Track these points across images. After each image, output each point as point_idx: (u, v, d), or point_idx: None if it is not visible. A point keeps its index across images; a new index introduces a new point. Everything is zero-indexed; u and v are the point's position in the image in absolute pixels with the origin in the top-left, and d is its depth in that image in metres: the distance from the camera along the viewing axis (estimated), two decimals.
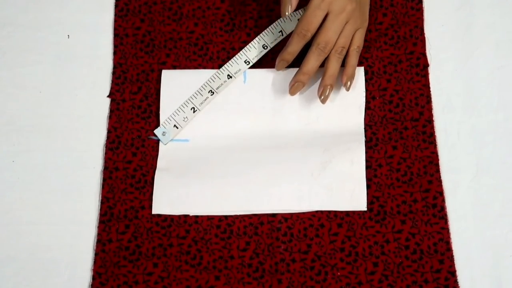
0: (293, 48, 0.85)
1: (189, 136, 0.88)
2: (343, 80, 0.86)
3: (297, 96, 0.88)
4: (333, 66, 0.85)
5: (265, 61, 0.90)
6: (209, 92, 0.88)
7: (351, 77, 0.86)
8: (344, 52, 0.85)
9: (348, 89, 0.86)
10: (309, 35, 0.84)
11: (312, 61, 0.85)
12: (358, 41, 0.86)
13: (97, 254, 0.83)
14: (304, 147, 0.86)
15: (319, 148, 0.85)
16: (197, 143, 0.88)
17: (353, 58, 0.86)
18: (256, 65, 0.90)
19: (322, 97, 0.85)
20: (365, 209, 0.83)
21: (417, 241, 0.81)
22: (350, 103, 0.88)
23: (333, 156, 0.85)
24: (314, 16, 0.83)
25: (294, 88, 0.86)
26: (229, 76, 0.89)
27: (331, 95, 0.88)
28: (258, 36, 0.88)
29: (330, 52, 0.85)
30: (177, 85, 0.89)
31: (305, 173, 0.84)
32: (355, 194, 0.83)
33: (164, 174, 0.86)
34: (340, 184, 0.84)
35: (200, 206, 0.84)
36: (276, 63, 0.87)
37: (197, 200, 0.85)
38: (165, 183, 0.85)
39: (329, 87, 0.85)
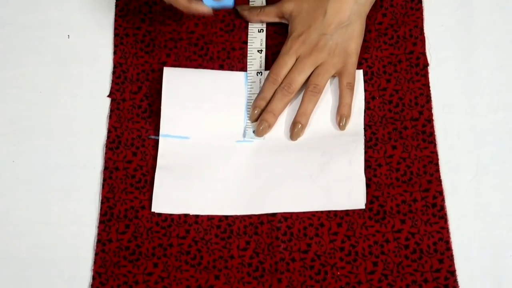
0: (265, 94, 0.87)
1: (190, 133, 0.88)
2: (336, 119, 0.87)
3: (296, 97, 0.88)
4: (305, 104, 0.86)
5: (265, 62, 0.90)
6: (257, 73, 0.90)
7: (345, 117, 0.86)
8: (318, 89, 0.86)
9: (343, 129, 0.86)
10: (279, 80, 0.87)
11: (275, 101, 0.87)
12: (347, 77, 0.87)
13: (97, 254, 0.83)
14: (303, 149, 0.86)
15: (318, 151, 0.85)
16: (198, 141, 0.87)
17: (345, 96, 0.87)
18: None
19: (292, 135, 0.87)
20: (363, 207, 0.83)
21: (417, 241, 0.81)
22: None
23: (331, 157, 0.85)
24: (283, 61, 0.87)
25: (260, 130, 0.87)
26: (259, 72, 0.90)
27: (331, 96, 0.88)
28: None
29: (305, 91, 0.86)
30: (178, 83, 0.89)
31: (304, 176, 0.84)
32: (353, 192, 0.83)
33: (164, 173, 0.86)
34: (338, 184, 0.84)
35: (199, 206, 0.84)
36: (251, 112, 0.88)
37: (196, 200, 0.85)
38: (165, 182, 0.85)
39: (299, 125, 0.86)
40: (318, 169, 0.84)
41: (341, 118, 0.86)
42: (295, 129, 0.86)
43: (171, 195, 0.85)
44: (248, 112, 0.88)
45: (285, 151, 0.86)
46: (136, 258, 0.83)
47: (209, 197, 0.85)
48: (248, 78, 0.89)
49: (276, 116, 0.87)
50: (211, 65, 0.91)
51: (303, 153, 0.86)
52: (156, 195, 0.85)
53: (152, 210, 0.84)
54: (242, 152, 0.87)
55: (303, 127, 0.86)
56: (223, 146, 0.87)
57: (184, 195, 0.85)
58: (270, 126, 0.87)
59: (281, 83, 0.87)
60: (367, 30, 0.90)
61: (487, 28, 0.90)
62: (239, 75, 0.90)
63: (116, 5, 0.94)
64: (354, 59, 0.87)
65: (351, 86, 0.87)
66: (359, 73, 0.89)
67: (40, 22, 0.94)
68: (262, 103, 0.87)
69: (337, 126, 0.87)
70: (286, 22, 0.90)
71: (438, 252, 0.81)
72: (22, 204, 0.86)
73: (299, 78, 0.86)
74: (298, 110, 0.87)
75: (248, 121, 0.88)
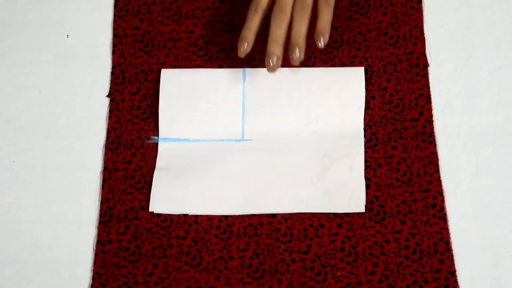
0: (251, 23, 0.83)
1: (189, 135, 0.88)
2: (314, 36, 0.81)
3: (296, 96, 0.88)
4: (296, 24, 0.80)
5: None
6: None
7: (322, 33, 0.80)
8: (305, 7, 0.81)
9: (321, 46, 0.81)
10: (263, 5, 0.82)
11: (274, 28, 0.81)
12: None
13: (97, 254, 0.83)
14: (303, 151, 0.86)
15: (319, 153, 0.85)
16: (197, 143, 0.88)
17: (322, 13, 0.81)
18: (256, 67, 0.90)
19: (293, 59, 0.81)
20: (363, 210, 0.83)
21: (417, 241, 0.81)
22: (349, 104, 0.87)
23: (332, 162, 0.85)
24: None
25: (269, 64, 0.81)
26: None
27: (331, 95, 0.88)
28: None
29: (294, 10, 0.81)
30: (176, 84, 0.89)
31: (304, 178, 0.84)
32: (354, 196, 0.83)
33: (163, 173, 0.86)
34: (339, 189, 0.83)
35: (198, 206, 0.84)
36: (238, 45, 0.83)
37: (195, 200, 0.85)
38: (163, 182, 0.85)
39: (297, 48, 0.80)
40: (318, 173, 0.84)
41: (318, 33, 0.81)
42: (294, 52, 0.81)
43: (169, 195, 0.85)
44: (245, 111, 0.88)
45: (285, 151, 0.86)
46: (136, 259, 0.83)
47: (207, 196, 0.85)
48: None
49: (281, 46, 0.81)
50: (210, 65, 0.90)
51: (304, 155, 0.86)
52: (154, 195, 0.85)
53: (150, 210, 0.84)
54: (241, 150, 0.87)
55: (302, 48, 0.81)
56: (222, 146, 0.87)
57: (182, 194, 0.85)
58: (278, 58, 0.82)
59: (273, 9, 0.82)
60: (367, 30, 0.90)
61: (487, 28, 0.90)
62: (237, 72, 0.90)
63: (115, 5, 0.94)
64: None
65: (328, 2, 0.82)
66: (360, 71, 0.89)
67: (40, 22, 0.94)
68: (249, 35, 0.82)
69: (316, 43, 0.82)
70: None
71: (438, 253, 0.81)
72: (22, 204, 0.86)
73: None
74: (291, 32, 0.81)
75: (247, 119, 0.88)
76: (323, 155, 0.85)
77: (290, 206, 0.83)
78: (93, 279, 0.82)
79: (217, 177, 0.85)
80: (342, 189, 0.84)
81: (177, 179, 0.86)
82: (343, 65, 0.89)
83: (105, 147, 0.87)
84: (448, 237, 0.81)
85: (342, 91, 0.88)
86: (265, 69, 0.89)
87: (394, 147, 0.85)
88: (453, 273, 0.80)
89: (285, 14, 0.81)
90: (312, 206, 0.83)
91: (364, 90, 0.88)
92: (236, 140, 0.87)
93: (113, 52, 0.92)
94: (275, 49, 0.81)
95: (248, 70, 0.90)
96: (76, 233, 0.84)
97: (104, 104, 0.90)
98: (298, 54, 0.81)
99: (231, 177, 0.85)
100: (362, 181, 0.84)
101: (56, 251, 0.84)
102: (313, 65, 0.90)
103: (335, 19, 0.90)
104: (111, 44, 0.92)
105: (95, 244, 0.83)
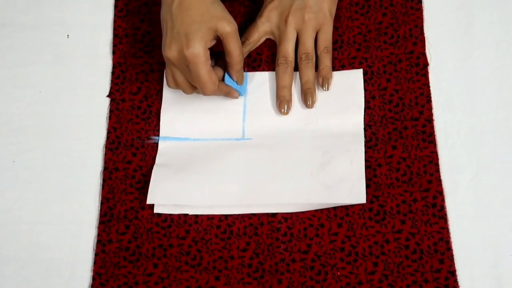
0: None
1: (189, 134, 0.88)
2: (318, 81, 0.88)
3: (297, 97, 0.88)
4: (304, 73, 0.88)
5: (265, 62, 0.90)
6: None
7: (326, 78, 0.88)
8: (310, 56, 0.88)
9: (326, 89, 0.88)
10: (247, 42, 0.89)
11: (281, 76, 0.88)
12: (324, 42, 0.89)
13: (97, 254, 0.83)
14: (303, 148, 0.86)
15: (319, 150, 0.85)
16: (197, 142, 0.88)
17: (324, 59, 0.88)
18: (256, 67, 0.90)
19: (306, 102, 0.88)
20: (364, 201, 0.82)
21: (417, 241, 0.81)
22: (349, 105, 0.88)
23: (332, 157, 0.85)
24: (255, 27, 0.90)
25: (280, 106, 0.88)
26: None
27: (331, 97, 0.88)
28: None
29: (299, 62, 0.88)
30: None
31: (304, 172, 0.84)
32: (354, 189, 0.83)
33: (162, 168, 0.86)
34: (339, 181, 0.83)
35: (196, 197, 0.84)
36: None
37: (194, 192, 0.84)
38: (162, 176, 0.85)
39: (310, 91, 0.87)
40: (318, 167, 0.84)
41: (323, 79, 0.88)
42: (308, 96, 0.87)
43: (167, 187, 0.85)
44: (246, 111, 0.88)
45: (285, 149, 0.86)
46: (136, 259, 0.83)
47: (206, 188, 0.84)
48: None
49: (289, 90, 0.88)
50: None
51: (304, 151, 0.86)
52: (152, 187, 0.84)
53: (148, 202, 0.84)
54: (241, 148, 0.87)
55: (313, 90, 0.87)
56: (222, 144, 0.87)
57: (180, 186, 0.85)
58: (288, 101, 0.88)
59: (278, 59, 0.89)
60: (367, 30, 0.90)
61: (487, 28, 0.90)
62: None
63: (115, 6, 0.94)
64: (329, 20, 0.88)
65: (328, 50, 0.88)
66: (359, 73, 0.89)
67: (40, 22, 0.94)
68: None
69: (320, 88, 0.88)
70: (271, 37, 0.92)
71: (438, 252, 0.81)
72: (22, 204, 0.86)
73: (289, 49, 0.88)
74: (301, 80, 0.88)
75: (248, 119, 0.88)
76: (323, 152, 0.85)
77: (290, 197, 0.83)
78: (93, 279, 0.82)
79: (216, 172, 0.85)
80: (342, 181, 0.83)
81: (176, 173, 0.85)
82: (343, 66, 0.89)
83: (105, 147, 0.88)
84: (448, 236, 0.81)
85: (342, 93, 0.88)
86: (266, 72, 0.90)
87: (394, 147, 0.85)
88: (453, 273, 0.80)
89: (289, 62, 0.89)
90: (311, 197, 0.83)
91: (363, 91, 0.88)
92: (237, 139, 0.87)
93: (114, 52, 0.92)
94: (285, 93, 0.88)
95: (249, 73, 0.90)
96: (76, 233, 0.85)
97: (104, 104, 0.90)
98: (311, 98, 0.88)
99: (231, 171, 0.85)
100: (362, 174, 0.84)
101: (56, 251, 0.84)
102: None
103: (335, 20, 0.90)
104: (111, 44, 0.93)
105: (95, 244, 0.83)
